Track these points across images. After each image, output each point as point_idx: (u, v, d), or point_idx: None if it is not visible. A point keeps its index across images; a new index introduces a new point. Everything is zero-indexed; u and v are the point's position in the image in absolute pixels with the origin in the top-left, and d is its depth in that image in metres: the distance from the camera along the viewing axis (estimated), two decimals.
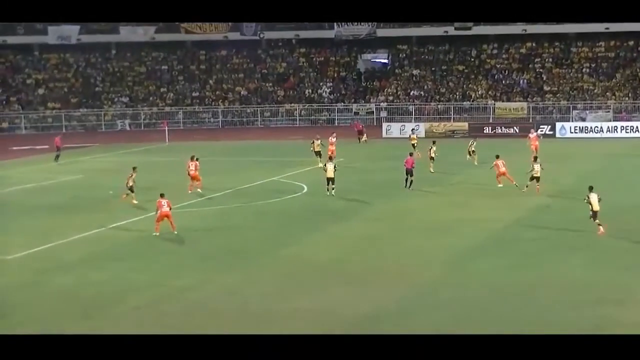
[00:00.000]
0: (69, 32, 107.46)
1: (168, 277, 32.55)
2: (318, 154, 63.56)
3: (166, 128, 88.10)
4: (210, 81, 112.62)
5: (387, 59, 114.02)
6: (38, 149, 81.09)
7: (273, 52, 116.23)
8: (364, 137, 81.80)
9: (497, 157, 51.26)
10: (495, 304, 28.03)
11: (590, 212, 37.84)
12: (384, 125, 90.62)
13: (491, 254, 35.15)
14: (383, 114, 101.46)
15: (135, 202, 47.45)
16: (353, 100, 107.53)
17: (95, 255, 36.63)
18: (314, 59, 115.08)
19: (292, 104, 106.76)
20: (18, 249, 37.71)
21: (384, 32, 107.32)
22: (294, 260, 34.85)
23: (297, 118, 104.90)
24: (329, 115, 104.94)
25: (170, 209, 40.24)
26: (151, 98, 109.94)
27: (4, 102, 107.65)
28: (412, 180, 50.59)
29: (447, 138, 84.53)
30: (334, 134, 67.13)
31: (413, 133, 73.12)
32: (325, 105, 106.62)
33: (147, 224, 42.62)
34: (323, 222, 42.66)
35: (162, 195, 40.50)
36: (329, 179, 49.40)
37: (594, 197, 37.80)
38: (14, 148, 79.64)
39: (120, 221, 43.34)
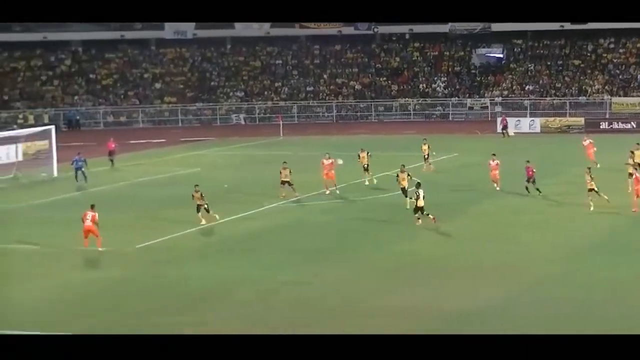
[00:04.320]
0: (185, 27, 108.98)
1: (275, 272, 33.03)
2: (286, 183, 48.31)
3: (281, 122, 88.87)
4: (325, 75, 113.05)
5: (502, 53, 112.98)
6: (155, 142, 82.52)
7: (387, 47, 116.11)
8: (511, 132, 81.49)
9: None
10: (605, 305, 27.86)
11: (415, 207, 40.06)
12: (498, 120, 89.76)
13: (607, 251, 34.86)
14: (498, 108, 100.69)
15: (203, 222, 41.57)
16: (467, 95, 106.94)
17: (206, 249, 37.28)
18: (428, 54, 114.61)
19: (406, 99, 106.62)
20: (139, 241, 38.42)
21: (499, 26, 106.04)
22: (401, 256, 35.10)
23: (411, 112, 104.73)
24: (443, 110, 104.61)
25: (94, 223, 35.89)
26: (266, 92, 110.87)
27: (122, 96, 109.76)
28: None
29: (563, 133, 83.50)
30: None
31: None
32: (439, 100, 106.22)
33: (260, 219, 43.21)
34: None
35: (92, 207, 36.67)
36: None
37: (420, 193, 39.91)
38: (132, 141, 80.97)
39: (234, 214, 43.87)
